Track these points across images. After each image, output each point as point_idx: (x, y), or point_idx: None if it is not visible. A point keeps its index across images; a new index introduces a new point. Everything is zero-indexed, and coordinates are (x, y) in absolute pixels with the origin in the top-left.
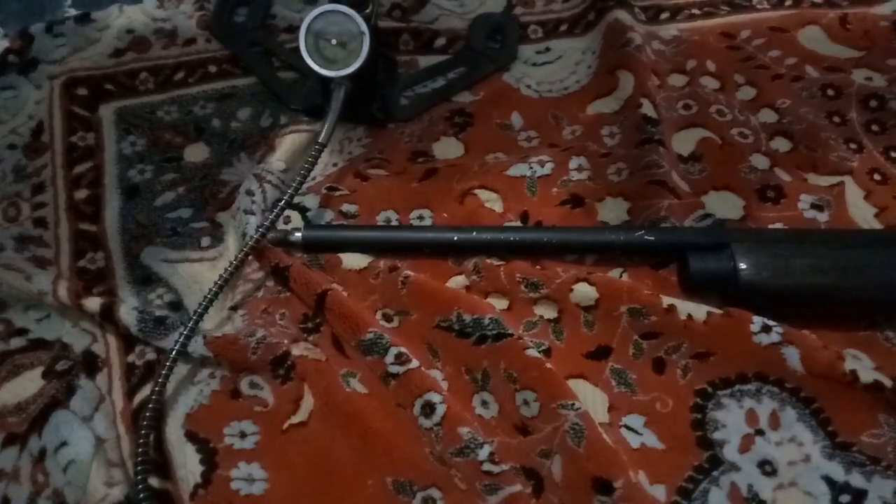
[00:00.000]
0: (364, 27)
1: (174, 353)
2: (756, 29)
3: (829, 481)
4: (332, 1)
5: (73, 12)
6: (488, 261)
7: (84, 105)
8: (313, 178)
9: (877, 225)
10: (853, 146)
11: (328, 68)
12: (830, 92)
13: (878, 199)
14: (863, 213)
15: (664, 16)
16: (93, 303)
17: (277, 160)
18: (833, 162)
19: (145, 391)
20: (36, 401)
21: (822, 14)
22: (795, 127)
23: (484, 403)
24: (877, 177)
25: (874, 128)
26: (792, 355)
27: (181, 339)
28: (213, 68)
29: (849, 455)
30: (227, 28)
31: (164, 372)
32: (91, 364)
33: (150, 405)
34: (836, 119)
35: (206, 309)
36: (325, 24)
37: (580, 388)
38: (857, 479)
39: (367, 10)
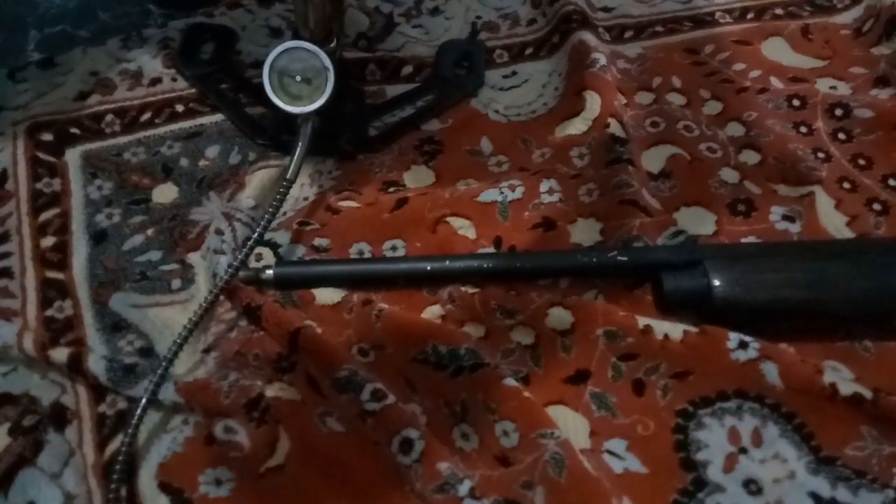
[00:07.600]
0: (328, 62)
1: (144, 401)
2: (719, 43)
3: (816, 497)
4: (296, 37)
5: (36, 56)
6: (463, 289)
7: (49, 150)
8: (284, 214)
9: (849, 233)
10: (821, 155)
11: (293, 105)
12: (796, 102)
13: (848, 208)
14: (834, 223)
15: (628, 34)
16: (60, 353)
17: (247, 198)
18: (802, 172)
19: (117, 442)
20: (2, 459)
21: (784, 25)
22: (763, 139)
23: (464, 436)
24: (846, 185)
25: (840, 136)
26: (770, 371)
27: (151, 387)
28: (179, 107)
29: (834, 469)
30: (192, 66)
31: (133, 422)
32: (60, 417)
33: (121, 457)
34: (803, 129)
35: (175, 354)
36: (289, 60)
37: (560, 414)
38: (843, 494)
39: (332, 45)
